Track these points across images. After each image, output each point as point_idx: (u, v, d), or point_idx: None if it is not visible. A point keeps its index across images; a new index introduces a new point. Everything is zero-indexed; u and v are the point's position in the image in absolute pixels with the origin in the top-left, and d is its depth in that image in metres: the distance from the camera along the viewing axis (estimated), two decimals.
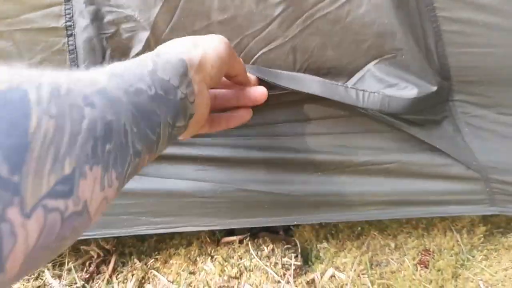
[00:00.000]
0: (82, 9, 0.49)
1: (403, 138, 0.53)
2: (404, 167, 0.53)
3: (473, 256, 0.62)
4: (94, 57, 0.51)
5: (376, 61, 0.50)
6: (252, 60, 0.51)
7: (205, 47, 0.36)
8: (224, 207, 0.56)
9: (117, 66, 0.29)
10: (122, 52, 0.51)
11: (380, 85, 0.49)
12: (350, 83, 0.51)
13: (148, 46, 0.50)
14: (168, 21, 0.49)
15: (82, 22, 0.50)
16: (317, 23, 0.49)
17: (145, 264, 0.66)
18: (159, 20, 0.49)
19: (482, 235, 0.62)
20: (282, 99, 0.53)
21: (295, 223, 0.57)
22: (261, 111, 0.54)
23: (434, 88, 0.49)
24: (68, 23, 0.50)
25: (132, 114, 0.26)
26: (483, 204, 0.53)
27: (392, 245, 0.64)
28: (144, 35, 0.49)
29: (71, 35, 0.50)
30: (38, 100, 0.19)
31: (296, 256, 0.64)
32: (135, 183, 0.56)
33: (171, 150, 0.56)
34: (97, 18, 0.50)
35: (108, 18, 0.50)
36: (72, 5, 0.50)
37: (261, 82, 0.49)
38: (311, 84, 0.49)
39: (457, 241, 0.62)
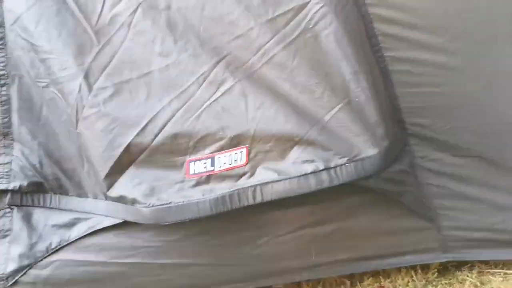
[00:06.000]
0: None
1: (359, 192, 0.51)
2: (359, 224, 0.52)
3: None
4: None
5: (336, 109, 0.46)
6: (203, 107, 0.47)
7: None
8: None
9: None
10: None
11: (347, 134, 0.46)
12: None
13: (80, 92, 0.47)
14: (103, 67, 0.46)
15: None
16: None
17: None
18: (93, 66, 0.46)
19: (436, 270, 0.61)
20: None
21: None
22: None
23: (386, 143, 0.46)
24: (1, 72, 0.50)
25: None
26: (436, 252, 0.52)
27: (348, 283, 0.62)
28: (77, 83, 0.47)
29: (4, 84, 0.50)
30: None
31: None
32: None
33: None
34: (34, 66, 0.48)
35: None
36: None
37: None
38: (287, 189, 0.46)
39: (412, 276, 0.61)
